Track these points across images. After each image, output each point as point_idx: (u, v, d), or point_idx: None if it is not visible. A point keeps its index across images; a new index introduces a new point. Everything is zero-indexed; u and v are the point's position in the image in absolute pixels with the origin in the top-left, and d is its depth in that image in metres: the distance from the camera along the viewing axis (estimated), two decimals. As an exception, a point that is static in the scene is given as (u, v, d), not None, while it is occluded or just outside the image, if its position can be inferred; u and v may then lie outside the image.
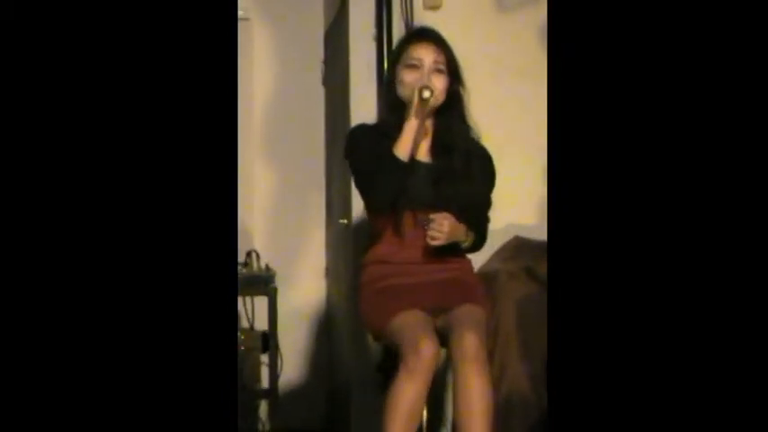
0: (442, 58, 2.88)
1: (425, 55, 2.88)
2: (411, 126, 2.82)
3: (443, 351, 2.80)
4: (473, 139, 2.95)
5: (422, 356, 2.64)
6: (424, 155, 2.93)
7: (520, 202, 3.68)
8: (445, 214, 2.79)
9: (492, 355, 3.24)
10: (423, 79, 2.84)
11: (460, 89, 2.92)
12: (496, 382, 3.23)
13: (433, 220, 2.78)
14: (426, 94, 2.81)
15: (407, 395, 2.64)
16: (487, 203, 2.97)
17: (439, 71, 2.87)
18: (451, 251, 2.89)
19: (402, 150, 2.81)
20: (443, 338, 2.76)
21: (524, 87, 3.71)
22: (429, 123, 2.93)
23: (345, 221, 3.96)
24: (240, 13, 4.07)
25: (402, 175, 2.81)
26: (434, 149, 2.93)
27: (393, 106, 2.91)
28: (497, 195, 3.01)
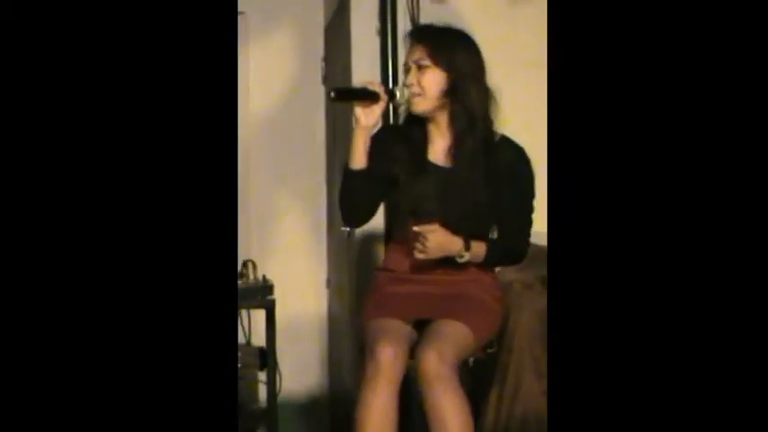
0: (424, 53, 2.78)
1: (410, 56, 2.82)
2: (356, 133, 2.75)
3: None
4: (483, 135, 2.82)
5: (377, 363, 2.56)
6: (441, 158, 2.83)
7: (535, 206, 3.42)
8: (433, 227, 2.68)
9: (505, 373, 3.22)
10: (410, 80, 2.78)
11: (460, 81, 2.78)
12: (510, 401, 3.21)
13: (419, 233, 2.68)
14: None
15: (370, 407, 2.56)
16: (509, 210, 2.85)
17: (421, 67, 2.78)
18: (462, 263, 2.78)
19: (351, 159, 2.75)
20: None
21: (537, 81, 3.51)
22: (446, 124, 2.82)
23: (347, 229, 3.81)
24: (235, 6, 4.02)
25: (358, 185, 2.76)
26: (450, 152, 2.83)
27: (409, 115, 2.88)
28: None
